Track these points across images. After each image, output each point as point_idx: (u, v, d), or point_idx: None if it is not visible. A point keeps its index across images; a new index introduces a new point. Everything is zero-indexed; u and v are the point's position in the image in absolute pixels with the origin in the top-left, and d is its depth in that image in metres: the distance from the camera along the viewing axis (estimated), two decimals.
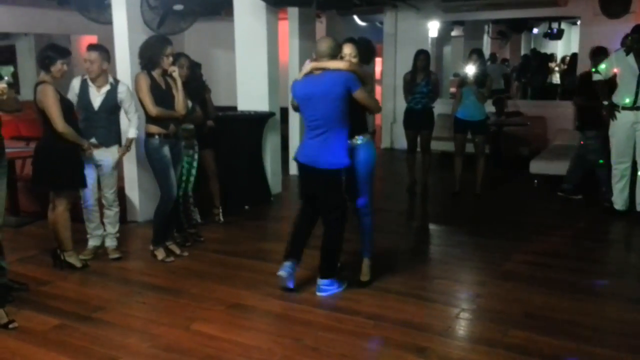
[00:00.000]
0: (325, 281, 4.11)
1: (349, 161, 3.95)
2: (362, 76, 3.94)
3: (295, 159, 4.09)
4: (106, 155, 4.70)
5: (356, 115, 3.97)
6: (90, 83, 4.60)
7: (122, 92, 4.67)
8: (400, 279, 4.41)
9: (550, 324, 3.65)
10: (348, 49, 4.01)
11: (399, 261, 4.82)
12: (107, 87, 4.62)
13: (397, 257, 4.92)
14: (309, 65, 3.93)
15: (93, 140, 4.58)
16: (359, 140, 4.06)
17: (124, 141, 4.93)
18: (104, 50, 4.60)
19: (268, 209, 6.71)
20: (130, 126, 4.80)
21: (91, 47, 4.59)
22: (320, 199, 4.05)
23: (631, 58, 5.71)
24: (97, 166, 4.71)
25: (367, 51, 4.39)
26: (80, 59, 4.66)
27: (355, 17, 11.66)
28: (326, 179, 3.94)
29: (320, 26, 11.00)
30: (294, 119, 8.32)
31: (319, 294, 4.09)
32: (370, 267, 4.32)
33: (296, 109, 4.16)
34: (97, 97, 4.61)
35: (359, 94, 3.85)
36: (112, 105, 4.66)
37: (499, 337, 3.49)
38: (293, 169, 8.45)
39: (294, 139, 8.40)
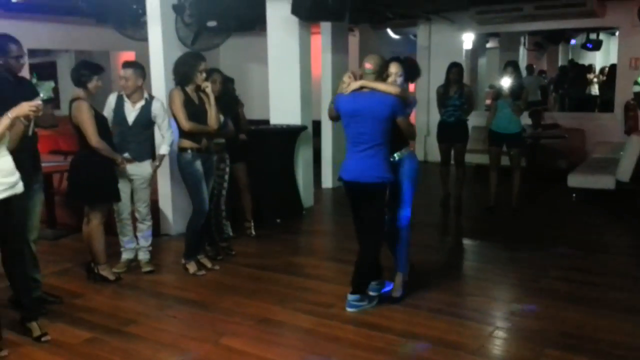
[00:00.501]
0: (354, 297, 4.07)
1: (393, 177, 3.97)
2: (406, 101, 3.97)
3: (340, 178, 4.11)
4: (139, 170, 4.76)
5: (399, 130, 3.97)
6: (125, 99, 4.70)
7: (156, 108, 4.74)
8: (433, 295, 4.34)
9: (587, 344, 3.53)
10: (394, 68, 4.04)
11: (431, 277, 4.73)
12: (141, 103, 4.70)
13: (429, 273, 4.83)
14: (357, 83, 3.93)
15: (126, 155, 4.66)
16: (403, 153, 4.09)
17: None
18: (139, 67, 4.69)
19: (300, 223, 6.70)
20: (163, 142, 4.86)
21: (126, 65, 4.69)
22: (362, 213, 4.06)
23: None
24: (131, 180, 4.77)
25: (412, 70, 4.41)
26: (119, 75, 4.75)
27: (389, 31, 11.64)
28: (370, 194, 3.95)
29: (354, 40, 11.03)
30: (327, 132, 8.34)
31: (348, 309, 4.05)
32: (403, 283, 4.26)
33: (334, 119, 4.19)
34: (131, 113, 4.69)
35: (401, 121, 3.91)
36: (146, 121, 4.74)
37: (534, 357, 3.39)
38: (326, 183, 8.46)
39: (326, 153, 8.41)
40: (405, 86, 4.21)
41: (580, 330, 3.71)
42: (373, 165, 3.89)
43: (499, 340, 3.67)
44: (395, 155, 4.06)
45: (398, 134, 3.98)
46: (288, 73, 6.83)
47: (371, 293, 4.18)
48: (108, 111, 4.71)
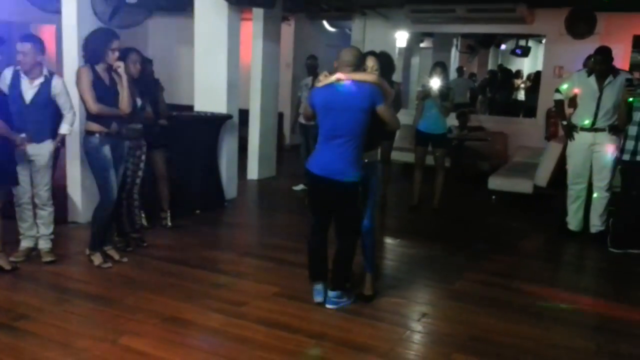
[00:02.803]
0: (335, 293, 4.01)
1: (363, 174, 3.89)
2: (385, 91, 3.88)
3: (308, 171, 3.92)
4: (39, 151, 4.41)
5: (373, 130, 3.87)
6: (22, 75, 4.32)
7: (57, 86, 4.40)
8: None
9: (493, 349, 3.55)
10: (371, 62, 3.98)
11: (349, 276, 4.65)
12: (40, 80, 4.34)
13: None
14: (333, 76, 3.81)
15: (24, 135, 4.28)
16: (373, 157, 4.03)
17: None
18: (38, 41, 4.32)
19: (220, 215, 6.48)
20: (63, 122, 4.52)
21: (24, 38, 4.29)
22: (337, 211, 3.96)
23: (592, 79, 5.68)
24: (29, 162, 4.42)
25: (388, 65, 4.26)
26: (16, 49, 4.34)
27: (325, 23, 11.54)
28: (344, 192, 3.85)
29: (288, 29, 10.87)
30: (254, 122, 8.14)
31: (328, 306, 3.99)
32: (372, 282, 4.24)
33: (310, 118, 4.05)
34: (29, 90, 4.33)
35: (381, 109, 3.78)
36: (45, 99, 4.38)
37: None
38: (251, 174, 8.26)
39: (252, 143, 8.22)
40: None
41: (489, 335, 3.74)
42: (347, 162, 3.78)
43: (409, 343, 3.63)
44: (368, 155, 3.96)
45: (373, 133, 3.89)
46: (215, 58, 6.57)
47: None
48: (3, 87, 4.30)
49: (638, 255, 5.44)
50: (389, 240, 6.10)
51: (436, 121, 6.69)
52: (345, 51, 3.88)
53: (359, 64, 3.85)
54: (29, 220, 4.60)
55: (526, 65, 16.15)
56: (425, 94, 6.71)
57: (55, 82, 4.41)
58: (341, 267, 4.04)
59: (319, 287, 4.05)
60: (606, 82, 5.61)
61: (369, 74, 3.85)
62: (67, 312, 3.82)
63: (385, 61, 4.19)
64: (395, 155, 7.37)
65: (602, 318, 4.16)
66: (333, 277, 4.05)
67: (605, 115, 5.63)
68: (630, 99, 5.35)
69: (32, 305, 3.86)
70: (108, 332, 3.53)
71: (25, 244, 4.64)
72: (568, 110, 6.08)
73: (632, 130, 5.34)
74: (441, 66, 6.74)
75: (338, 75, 3.79)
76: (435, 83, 6.59)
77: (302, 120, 7.23)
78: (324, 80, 3.85)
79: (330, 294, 4.02)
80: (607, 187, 5.76)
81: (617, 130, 5.59)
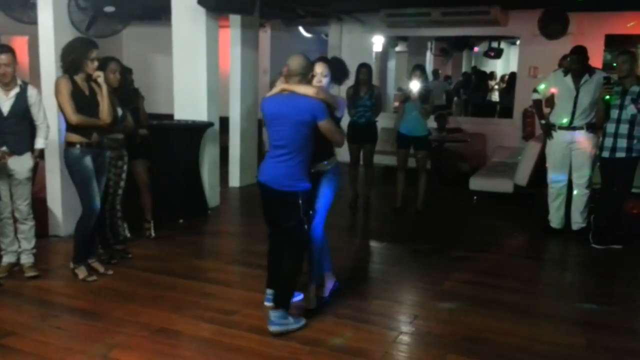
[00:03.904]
0: (277, 313, 3.68)
1: (308, 185, 3.78)
2: (332, 105, 3.80)
3: (256, 178, 3.90)
4: (19, 164, 4.32)
5: (322, 141, 3.80)
6: None
7: (32, 96, 4.33)
8: (339, 299, 4.24)
9: (488, 348, 3.57)
10: (319, 68, 3.87)
11: (338, 280, 4.63)
12: (16, 90, 4.26)
13: (336, 276, 4.73)
14: (278, 87, 3.76)
15: (4, 148, 4.19)
16: (326, 165, 3.95)
17: None
18: (13, 51, 4.25)
19: (204, 223, 6.43)
20: (38, 135, 4.44)
21: (2, 50, 4.19)
22: (278, 221, 3.86)
23: (569, 78, 5.77)
24: (9, 176, 4.33)
25: (339, 71, 4.16)
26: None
27: (301, 28, 11.55)
28: (283, 201, 3.75)
29: (265, 36, 10.85)
30: (235, 129, 8.10)
31: (270, 328, 3.65)
32: (317, 294, 4.12)
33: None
34: (5, 102, 4.24)
35: (324, 125, 3.69)
36: (22, 110, 4.30)
37: None
38: (233, 181, 8.21)
39: (234, 150, 8.17)
40: (329, 87, 4.01)
41: (481, 334, 3.75)
42: (288, 173, 3.69)
43: (402, 346, 3.62)
44: (325, 162, 3.94)
45: (324, 141, 3.81)
46: (194, 66, 6.53)
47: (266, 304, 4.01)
48: None
49: (620, 250, 5.54)
50: (374, 244, 6.13)
51: (417, 124, 6.72)
52: (291, 60, 3.75)
53: (305, 73, 3.73)
54: (10, 236, 4.49)
55: (499, 67, 16.39)
56: (406, 97, 6.75)
57: (31, 92, 4.33)
58: (281, 284, 3.79)
59: (269, 291, 3.98)
60: (582, 81, 5.70)
61: (311, 88, 3.71)
62: (54, 328, 3.74)
63: (337, 67, 4.12)
64: (377, 159, 7.39)
65: (589, 313, 4.21)
66: (275, 294, 3.79)
67: (583, 113, 5.72)
68: (607, 97, 5.46)
69: (18, 322, 3.77)
70: (97, 346, 3.46)
71: (7, 259, 4.54)
72: (546, 110, 6.17)
73: (610, 127, 5.46)
74: (420, 69, 6.78)
75: (283, 86, 3.74)
76: (415, 86, 6.63)
77: None
78: (272, 90, 3.81)
79: (272, 314, 3.68)
80: (587, 184, 5.85)
81: (595, 128, 5.70)
